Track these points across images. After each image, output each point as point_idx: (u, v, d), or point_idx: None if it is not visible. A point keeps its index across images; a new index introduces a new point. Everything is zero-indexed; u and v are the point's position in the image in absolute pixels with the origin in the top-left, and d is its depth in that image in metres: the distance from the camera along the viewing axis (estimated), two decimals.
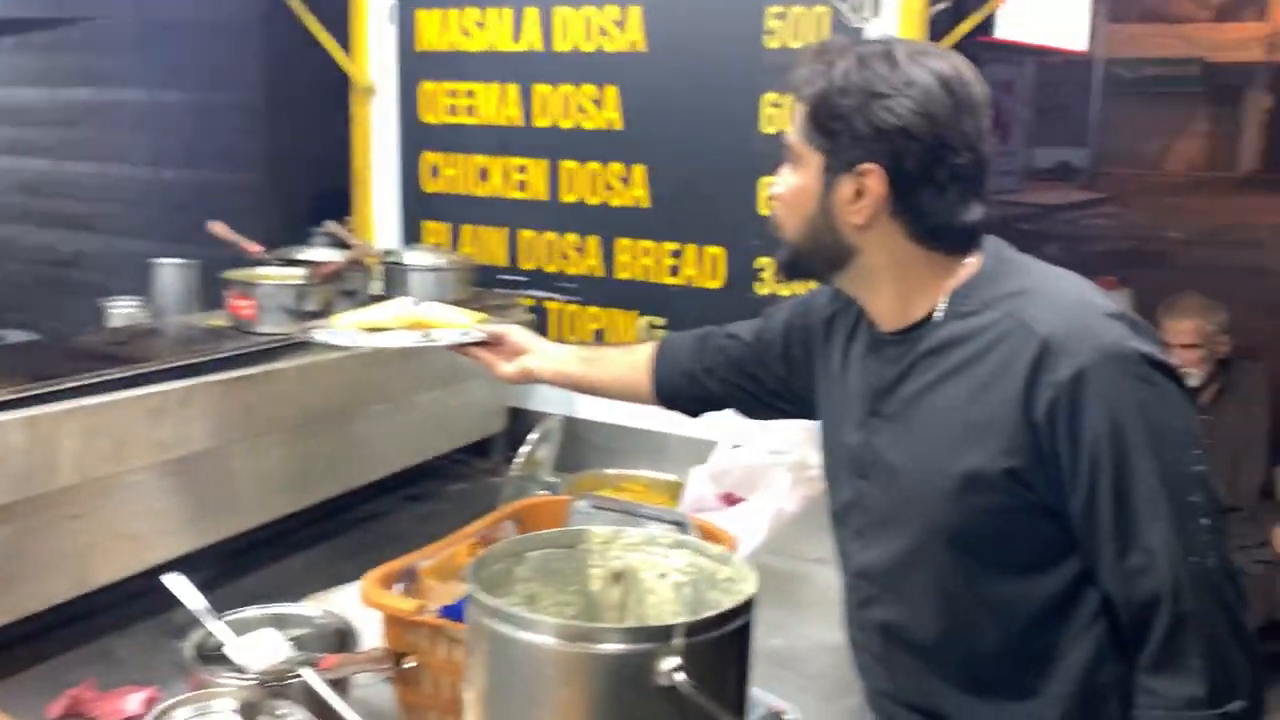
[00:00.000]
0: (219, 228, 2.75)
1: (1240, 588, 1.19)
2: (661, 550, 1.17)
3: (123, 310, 2.96)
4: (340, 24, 3.42)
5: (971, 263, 1.31)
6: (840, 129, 1.25)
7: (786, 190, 1.36)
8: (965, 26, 2.87)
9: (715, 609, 1.13)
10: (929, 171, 1.24)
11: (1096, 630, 1.25)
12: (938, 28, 2.73)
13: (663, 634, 0.93)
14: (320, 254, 2.83)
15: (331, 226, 2.88)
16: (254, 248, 2.69)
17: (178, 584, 1.98)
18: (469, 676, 1.03)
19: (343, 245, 2.86)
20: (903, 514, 1.31)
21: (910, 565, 1.31)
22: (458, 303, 2.85)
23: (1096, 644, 1.25)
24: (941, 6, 2.69)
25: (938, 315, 1.29)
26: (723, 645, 0.98)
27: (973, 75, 1.28)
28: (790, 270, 1.41)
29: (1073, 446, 1.17)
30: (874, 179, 1.26)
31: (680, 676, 0.91)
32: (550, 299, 3.28)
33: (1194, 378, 2.84)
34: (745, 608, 1.02)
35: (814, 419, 1.73)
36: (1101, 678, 1.25)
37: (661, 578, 1.17)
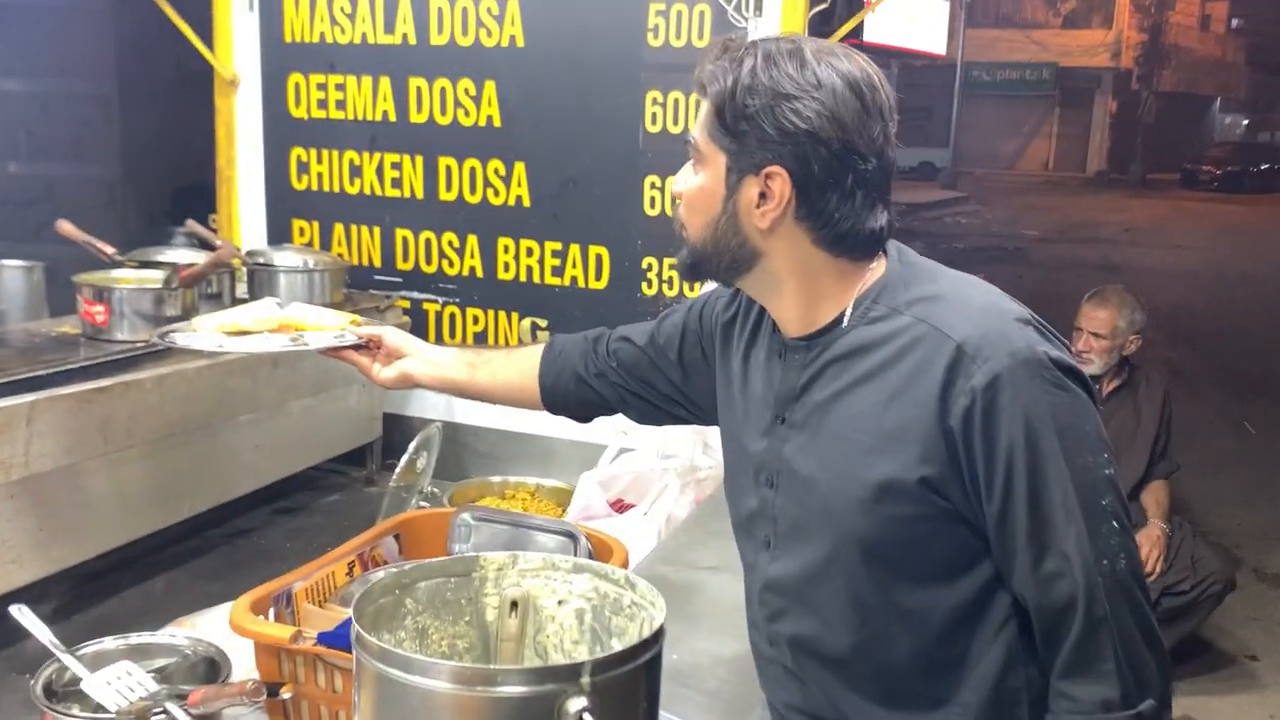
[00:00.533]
0: (67, 227, 2.55)
1: (1146, 588, 1.20)
2: (561, 575, 1.11)
3: None
4: (201, 12, 3.23)
5: (876, 267, 1.29)
6: (746, 130, 1.20)
7: (689, 190, 1.31)
8: (846, 27, 2.89)
9: (621, 636, 1.07)
10: (835, 176, 1.20)
11: (1006, 635, 1.24)
12: (815, 29, 2.74)
13: (569, 673, 0.87)
14: (180, 255, 2.66)
15: (193, 225, 2.71)
16: (107, 248, 2.51)
17: (25, 616, 1.82)
18: None
19: (205, 245, 2.70)
20: (814, 524, 1.28)
21: (823, 576, 1.28)
22: (329, 305, 2.74)
23: (1007, 649, 1.24)
24: (821, 8, 2.70)
25: (845, 321, 1.27)
26: (633, 679, 0.92)
27: (880, 79, 1.26)
28: (692, 272, 1.36)
29: (987, 453, 1.16)
30: (779, 182, 1.22)
31: (588, 718, 0.85)
32: (428, 300, 3.17)
33: (1094, 365, 2.91)
34: (656, 638, 0.97)
35: (710, 424, 1.70)
36: (1012, 683, 1.24)
37: (561, 604, 1.11)
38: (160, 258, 2.64)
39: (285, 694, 1.62)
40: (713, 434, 2.57)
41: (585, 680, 0.87)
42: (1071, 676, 1.17)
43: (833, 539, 1.25)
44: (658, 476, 2.42)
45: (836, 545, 1.25)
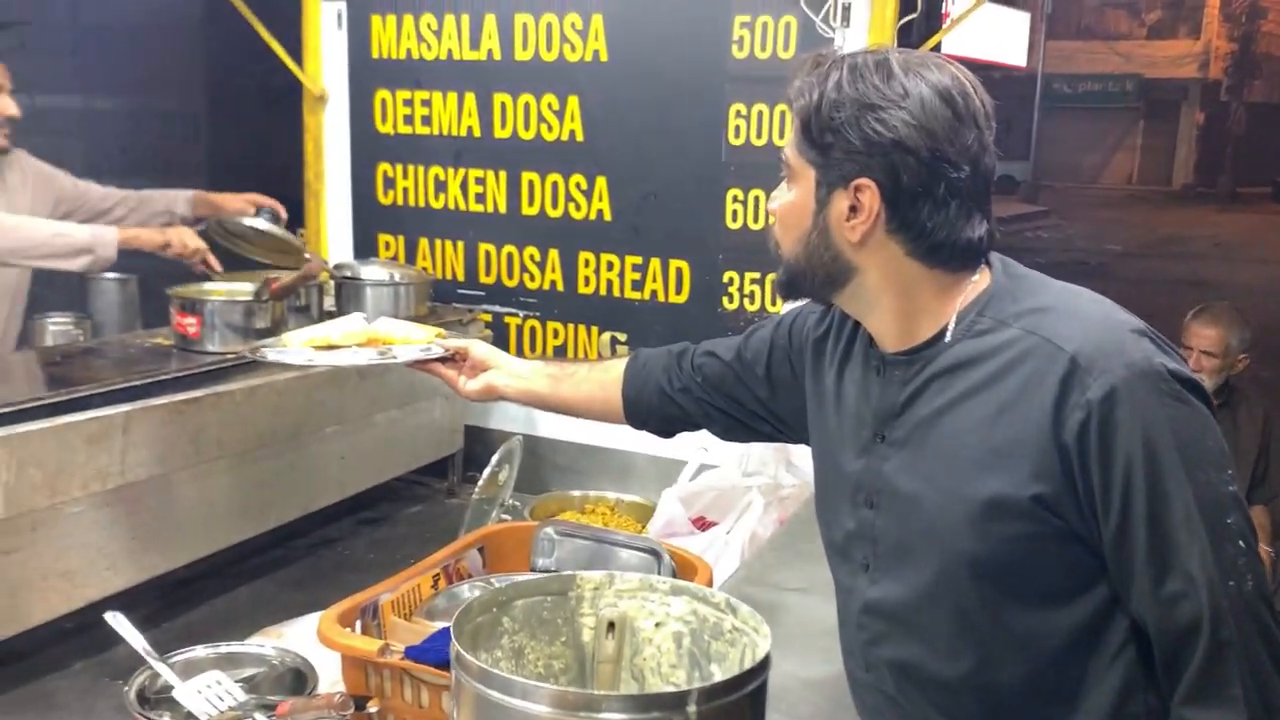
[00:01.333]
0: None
1: (1276, 611, 1.14)
2: (659, 597, 1.08)
3: (58, 327, 2.82)
4: (291, 30, 3.29)
5: (979, 280, 1.26)
6: (833, 142, 1.20)
7: (782, 206, 1.30)
8: (933, 40, 2.84)
9: (721, 662, 1.04)
10: (926, 186, 1.18)
11: (1125, 659, 1.19)
12: (905, 39, 2.69)
13: (675, 701, 0.84)
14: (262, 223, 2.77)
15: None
16: (200, 264, 2.56)
17: (119, 622, 1.85)
18: None
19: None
20: (918, 544, 1.24)
21: (929, 599, 1.23)
22: (413, 318, 2.75)
23: (1125, 674, 1.19)
24: (910, 18, 2.65)
25: (948, 335, 1.23)
26: (739, 708, 0.89)
27: (974, 86, 1.23)
28: (788, 290, 1.34)
29: (1104, 469, 1.11)
30: (868, 194, 1.20)
31: None
32: (510, 314, 3.18)
33: (1206, 385, 2.83)
34: (763, 666, 0.94)
35: (796, 442, 1.66)
36: (1130, 710, 1.19)
37: (659, 627, 1.08)
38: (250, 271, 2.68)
39: (372, 708, 1.62)
40: (797, 451, 2.53)
41: (692, 709, 0.84)
42: (1195, 703, 1.12)
43: (939, 560, 1.21)
44: (741, 494, 2.39)
45: (943, 566, 1.21)
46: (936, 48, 2.75)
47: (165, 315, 2.52)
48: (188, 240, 2.56)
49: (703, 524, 2.43)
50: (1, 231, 2.45)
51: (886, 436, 1.28)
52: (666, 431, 1.77)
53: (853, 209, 1.21)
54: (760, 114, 2.74)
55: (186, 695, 1.74)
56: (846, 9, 2.60)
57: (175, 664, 1.83)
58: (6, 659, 2.03)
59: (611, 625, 1.07)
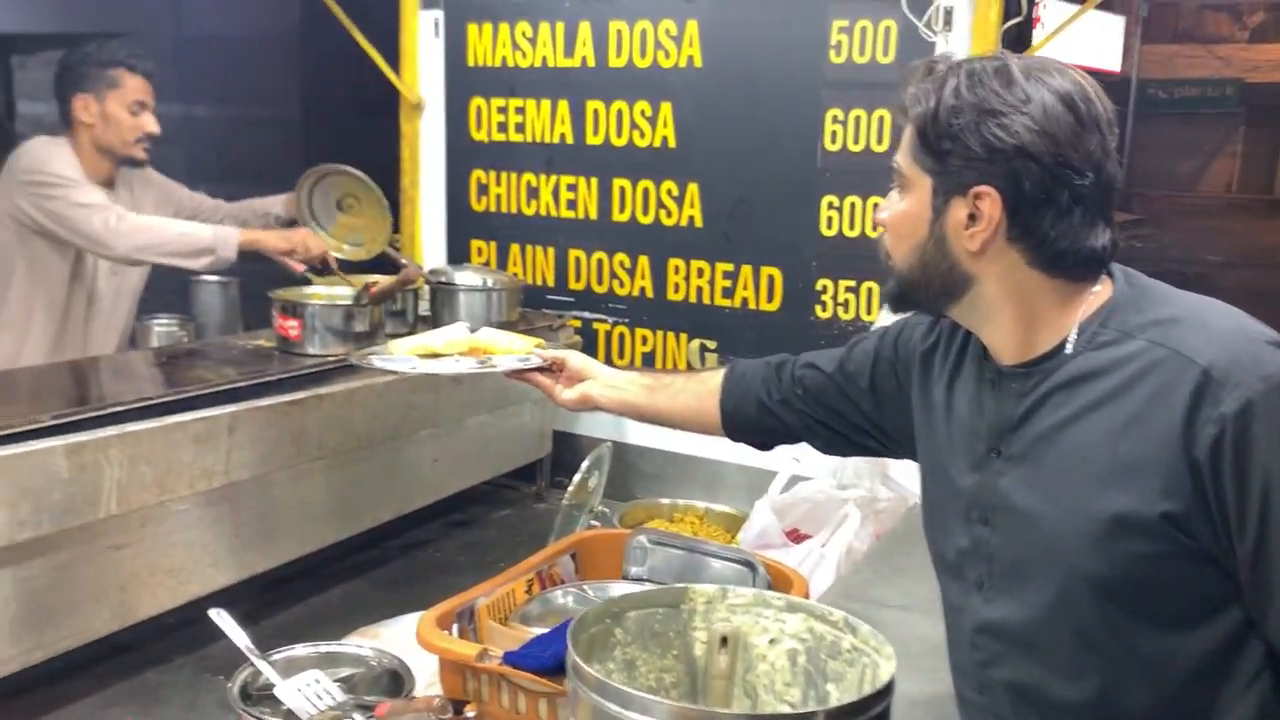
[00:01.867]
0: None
1: None
2: (773, 613, 1.06)
3: (163, 329, 2.89)
4: (387, 39, 3.35)
5: (1101, 290, 1.21)
6: (951, 149, 1.17)
7: (894, 216, 1.27)
8: (1038, 46, 2.76)
9: (838, 682, 1.02)
10: (1050, 194, 1.15)
11: (1260, 687, 1.13)
12: (1008, 43, 2.63)
13: None
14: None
15: (388, 246, 2.79)
16: (300, 266, 2.61)
17: (223, 619, 1.89)
18: None
19: (391, 264, 2.77)
20: (1039, 563, 1.19)
21: (1050, 620, 1.19)
22: (505, 324, 2.77)
23: (1260, 703, 1.13)
24: (1015, 21, 2.58)
25: (1069, 346, 1.19)
26: None
27: (1095, 91, 1.19)
28: (899, 302, 1.31)
29: (1239, 487, 1.06)
30: (989, 202, 1.17)
31: None
32: (599, 320, 3.18)
33: None
34: (889, 688, 0.91)
35: (899, 457, 1.63)
36: None
37: (773, 644, 1.05)
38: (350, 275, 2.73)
39: (470, 713, 1.63)
40: (894, 464, 2.48)
41: None
42: None
43: (1060, 579, 1.17)
44: (836, 506, 2.35)
45: (1065, 586, 1.17)
46: (1022, 51, 2.68)
47: (265, 318, 2.57)
48: (311, 245, 2.71)
49: (796, 536, 2.40)
50: (135, 229, 2.59)
51: (1002, 451, 1.24)
52: (764, 444, 1.75)
53: (971, 217, 1.18)
54: (858, 119, 2.70)
55: (287, 693, 1.76)
56: (949, 13, 2.55)
57: (276, 662, 1.86)
58: (113, 652, 2.08)
59: (725, 640, 1.05)
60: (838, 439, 1.62)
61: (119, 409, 1.92)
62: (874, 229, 1.33)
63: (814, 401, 1.60)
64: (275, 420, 2.12)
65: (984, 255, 1.20)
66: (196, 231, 2.66)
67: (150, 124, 2.82)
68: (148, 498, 1.93)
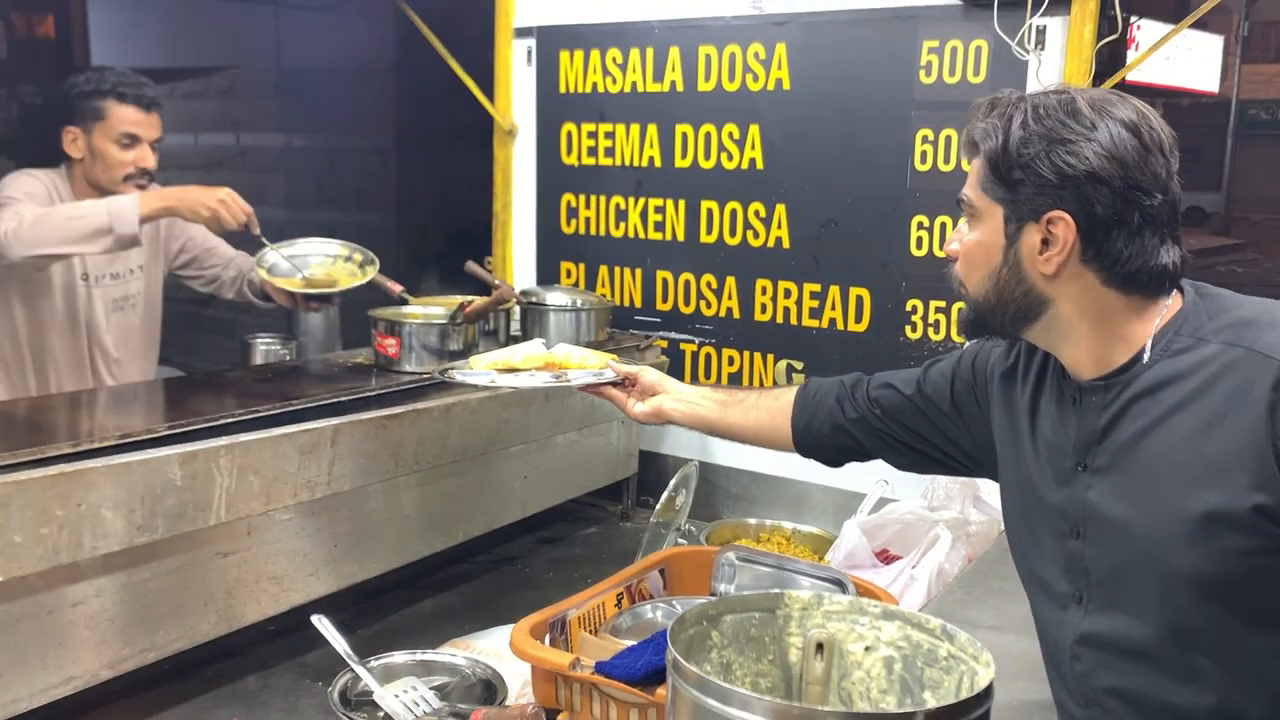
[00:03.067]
0: (472, 266, 2.81)
1: None
2: (869, 620, 1.06)
3: (266, 347, 3.00)
4: (479, 68, 3.44)
5: (1173, 303, 1.25)
6: (1023, 178, 1.22)
7: (966, 246, 1.34)
8: (1131, 66, 2.72)
9: (935, 690, 1.02)
10: (1121, 216, 1.21)
11: None
12: (1103, 63, 2.59)
13: None
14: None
15: (473, 267, 2.86)
16: (396, 287, 2.69)
17: (324, 626, 1.95)
18: None
19: (482, 285, 2.84)
20: (1136, 570, 1.20)
21: (1155, 626, 1.19)
22: (593, 344, 2.82)
23: None
24: (1110, 40, 2.55)
25: (1146, 356, 1.22)
26: None
27: (1154, 116, 1.24)
28: (974, 328, 1.35)
29: None
30: (1062, 227, 1.22)
31: None
32: (685, 340, 3.21)
33: None
34: (988, 692, 0.91)
35: (974, 475, 1.65)
36: None
37: (868, 651, 1.06)
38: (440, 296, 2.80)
39: None
40: (985, 486, 2.45)
41: None
42: None
43: (1159, 584, 1.18)
44: (926, 528, 2.32)
45: (1164, 590, 1.17)
46: (1123, 78, 2.65)
47: (364, 337, 2.65)
48: (232, 206, 2.39)
49: (886, 557, 2.38)
50: (28, 226, 2.30)
51: (1088, 465, 1.27)
52: (835, 461, 1.79)
53: (1045, 242, 1.23)
54: (949, 139, 2.69)
55: (386, 699, 1.81)
56: (1042, 32, 2.53)
57: (374, 669, 1.92)
58: (218, 656, 2.16)
59: (820, 646, 1.05)
60: (915, 457, 1.66)
61: (229, 420, 2.01)
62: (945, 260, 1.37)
63: (892, 421, 1.64)
64: (375, 434, 2.19)
65: (1059, 278, 1.24)
66: (88, 211, 2.34)
67: (144, 158, 2.58)
68: (255, 506, 2.00)
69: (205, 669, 2.15)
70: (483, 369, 2.05)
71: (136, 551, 1.86)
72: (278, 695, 2.10)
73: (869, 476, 2.53)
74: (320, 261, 2.62)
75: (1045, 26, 2.53)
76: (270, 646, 2.25)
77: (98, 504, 1.75)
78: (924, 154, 2.73)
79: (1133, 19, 2.62)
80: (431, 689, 1.87)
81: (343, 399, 2.24)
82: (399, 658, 1.99)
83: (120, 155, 2.56)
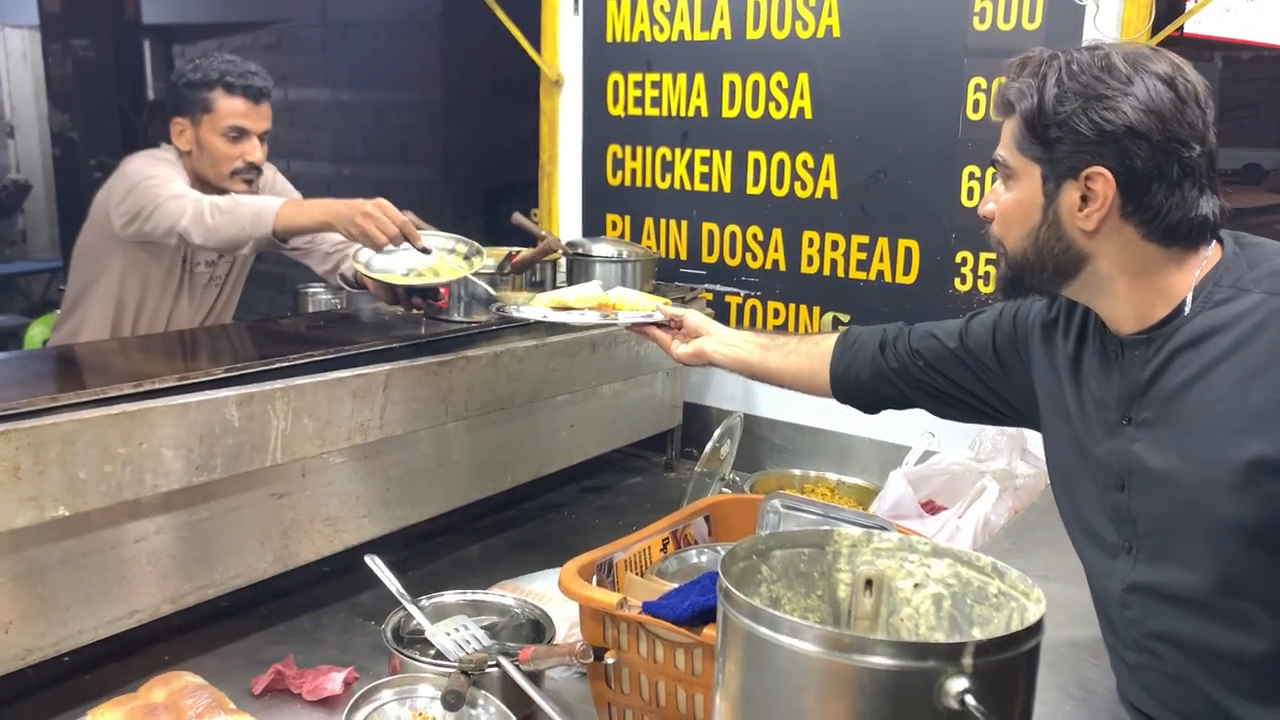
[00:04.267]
0: (519, 218, 2.77)
1: None
2: (918, 558, 1.07)
3: (318, 296, 3.04)
4: (525, 18, 3.43)
5: (1212, 255, 1.25)
6: (1060, 136, 1.23)
7: (1003, 205, 1.34)
8: (1188, 14, 2.66)
9: (984, 626, 1.02)
10: (1161, 169, 1.21)
11: None
12: (1159, 11, 2.53)
13: (950, 652, 0.84)
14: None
15: (520, 219, 2.87)
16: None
17: (378, 566, 1.99)
18: (721, 679, 0.95)
19: (528, 237, 2.85)
20: (1183, 520, 1.21)
21: (1205, 573, 1.20)
22: None
23: None
24: None
25: (1187, 308, 1.21)
26: (1016, 666, 0.87)
27: (1190, 69, 1.24)
28: (1012, 287, 1.36)
29: None
30: (1101, 182, 1.22)
31: (971, 700, 0.81)
32: (731, 293, 3.21)
33: None
34: (1039, 626, 0.92)
35: (1018, 425, 1.66)
36: None
37: (917, 588, 1.07)
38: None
39: (609, 659, 1.68)
40: (1033, 439, 2.44)
41: (968, 661, 0.83)
42: None
43: (1207, 532, 1.19)
44: (973, 479, 2.32)
45: (1212, 538, 1.18)
46: (1181, 26, 2.59)
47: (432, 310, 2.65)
48: (389, 214, 2.18)
49: (931, 508, 2.38)
50: (204, 218, 2.28)
51: (1133, 418, 1.28)
52: (872, 408, 1.81)
53: (1084, 198, 1.23)
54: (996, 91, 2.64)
55: (438, 636, 1.86)
56: None
57: (425, 608, 1.96)
58: (276, 595, 2.22)
59: (869, 582, 1.06)
60: (957, 407, 1.68)
61: (284, 364, 2.05)
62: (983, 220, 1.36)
63: (934, 371, 1.66)
64: (425, 379, 2.22)
65: (1099, 233, 1.25)
66: (255, 213, 2.26)
67: (251, 152, 2.51)
68: (309, 449, 2.04)
69: (261, 606, 2.21)
70: (537, 305, 2.10)
71: (195, 490, 1.91)
72: (331, 633, 2.15)
73: (914, 428, 2.53)
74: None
75: None
76: (324, 586, 2.30)
77: (159, 443, 1.80)
78: (977, 103, 2.69)
79: None
80: (481, 628, 1.91)
81: (394, 345, 2.27)
82: (449, 597, 2.04)
83: (228, 150, 2.49)
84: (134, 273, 2.57)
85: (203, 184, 2.53)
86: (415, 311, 2.45)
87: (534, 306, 2.09)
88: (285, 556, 2.12)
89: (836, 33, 2.89)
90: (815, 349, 1.83)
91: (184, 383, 1.90)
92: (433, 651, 1.86)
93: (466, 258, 2.36)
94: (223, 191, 2.50)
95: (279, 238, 2.27)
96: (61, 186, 5.46)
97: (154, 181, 2.38)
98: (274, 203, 2.28)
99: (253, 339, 2.44)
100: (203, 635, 2.09)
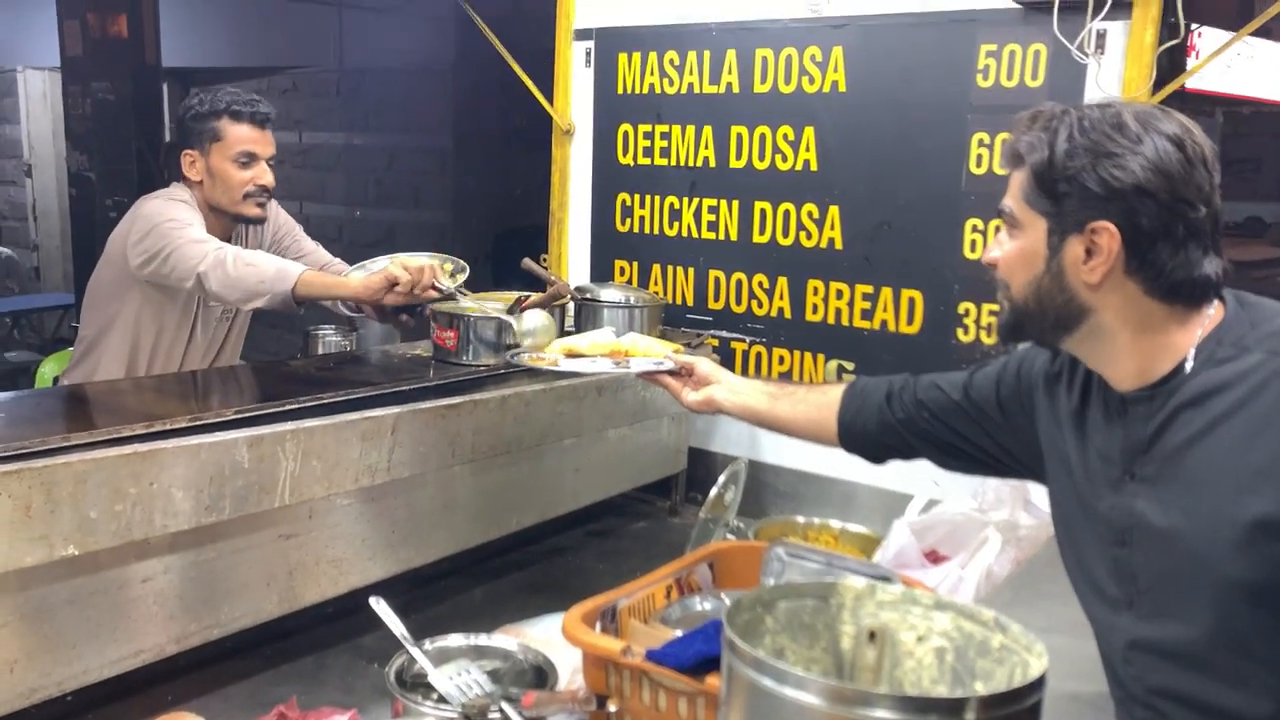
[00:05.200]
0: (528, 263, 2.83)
1: None
2: (921, 610, 1.08)
3: (329, 338, 3.08)
4: (537, 69, 3.50)
5: (1215, 313, 1.26)
6: (1069, 190, 1.24)
7: (1006, 255, 1.36)
8: (1187, 75, 2.70)
9: (987, 680, 1.03)
10: (1166, 228, 1.22)
11: None
12: (1163, 70, 2.58)
13: (952, 707, 0.85)
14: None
15: (530, 264, 2.91)
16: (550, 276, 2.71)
17: (382, 608, 2.00)
18: None
19: (537, 282, 2.89)
20: (1185, 577, 1.21)
21: (1207, 633, 1.20)
22: None
23: None
24: (1172, 43, 2.54)
25: (1189, 366, 1.23)
26: None
27: (1196, 129, 1.26)
28: (1013, 333, 1.37)
29: None
30: (1106, 237, 1.24)
31: None
32: (736, 339, 3.23)
33: None
34: (1041, 681, 0.93)
35: (1022, 478, 1.67)
36: None
37: (920, 641, 1.08)
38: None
39: (612, 706, 1.68)
40: (1035, 490, 2.44)
41: (970, 716, 0.84)
42: None
43: (1209, 591, 1.19)
44: (976, 529, 2.32)
45: (1215, 597, 1.19)
46: (1183, 84, 2.63)
47: (421, 329, 2.71)
48: (417, 263, 2.38)
49: (934, 557, 2.38)
50: (224, 269, 2.36)
51: (1136, 474, 1.29)
52: (878, 458, 1.82)
53: (1088, 252, 1.25)
54: (1005, 143, 2.69)
55: (440, 680, 1.85)
56: (1102, 36, 2.52)
57: (429, 651, 1.96)
58: (280, 635, 2.22)
59: (873, 635, 1.07)
60: (961, 459, 1.69)
61: (294, 406, 2.07)
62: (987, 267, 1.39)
63: (938, 422, 1.67)
64: (433, 423, 2.24)
65: (1102, 287, 1.26)
66: (275, 275, 2.36)
67: (262, 175, 2.58)
68: (317, 490, 2.06)
69: (265, 647, 2.21)
70: (551, 352, 2.12)
71: (203, 531, 1.92)
72: (335, 675, 2.16)
73: (917, 477, 2.53)
74: None
75: (1105, 31, 2.52)
76: (328, 628, 2.30)
77: (169, 483, 1.82)
78: (980, 157, 2.73)
79: (1194, 26, 2.60)
80: (484, 673, 1.91)
81: (403, 388, 2.30)
82: (453, 641, 2.03)
83: (239, 174, 2.56)
84: (149, 310, 2.61)
85: (217, 213, 2.60)
86: (403, 323, 2.56)
87: (547, 353, 2.11)
88: (290, 598, 2.13)
89: (843, 88, 2.94)
90: (823, 399, 1.84)
91: (195, 424, 1.92)
92: (435, 695, 1.86)
93: (451, 274, 2.48)
94: (237, 217, 2.61)
95: (297, 300, 2.36)
96: (77, 226, 5.53)
97: (174, 224, 2.45)
98: (297, 266, 2.39)
99: (263, 381, 2.47)
100: (206, 675, 2.09)
